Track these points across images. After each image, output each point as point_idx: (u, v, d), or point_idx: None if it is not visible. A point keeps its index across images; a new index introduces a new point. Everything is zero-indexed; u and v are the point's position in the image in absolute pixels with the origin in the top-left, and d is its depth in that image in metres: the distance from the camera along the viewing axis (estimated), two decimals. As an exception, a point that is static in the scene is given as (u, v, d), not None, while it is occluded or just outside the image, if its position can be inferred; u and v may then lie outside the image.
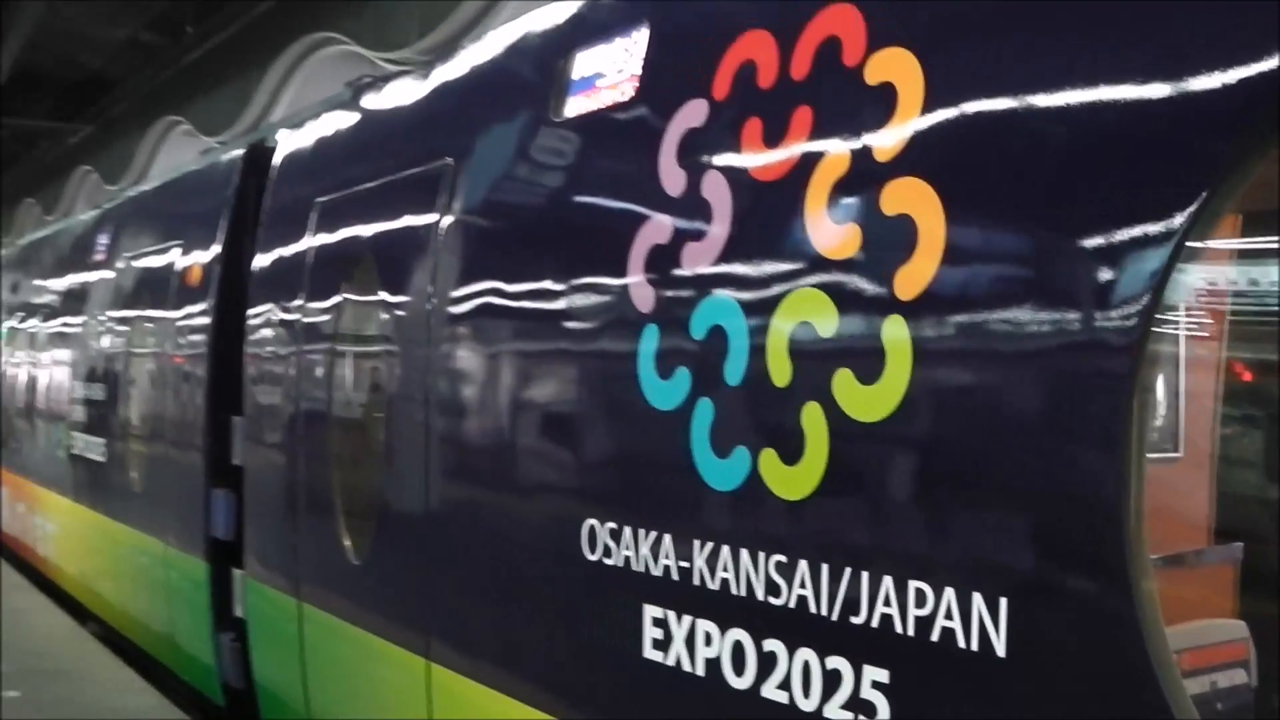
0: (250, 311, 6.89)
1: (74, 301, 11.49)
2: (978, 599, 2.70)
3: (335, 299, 5.91)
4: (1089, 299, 2.55)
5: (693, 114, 3.73)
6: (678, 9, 4.08)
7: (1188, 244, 2.42)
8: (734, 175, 3.53)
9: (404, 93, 5.86)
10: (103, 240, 10.82)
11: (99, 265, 10.71)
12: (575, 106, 4.36)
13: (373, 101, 6.19)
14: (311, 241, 6.18)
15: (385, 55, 16.11)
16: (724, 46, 3.66)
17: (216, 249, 7.73)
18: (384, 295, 5.46)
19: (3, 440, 14.30)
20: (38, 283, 13.32)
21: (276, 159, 7.05)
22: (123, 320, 9.73)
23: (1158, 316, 2.45)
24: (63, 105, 23.60)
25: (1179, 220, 2.39)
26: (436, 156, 5.10)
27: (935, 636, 2.79)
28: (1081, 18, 2.72)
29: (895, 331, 2.94)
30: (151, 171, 23.05)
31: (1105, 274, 2.52)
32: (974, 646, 2.70)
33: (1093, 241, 2.57)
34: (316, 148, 6.67)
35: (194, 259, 8.12)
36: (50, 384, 12.05)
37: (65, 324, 11.70)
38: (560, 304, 4.21)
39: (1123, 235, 2.50)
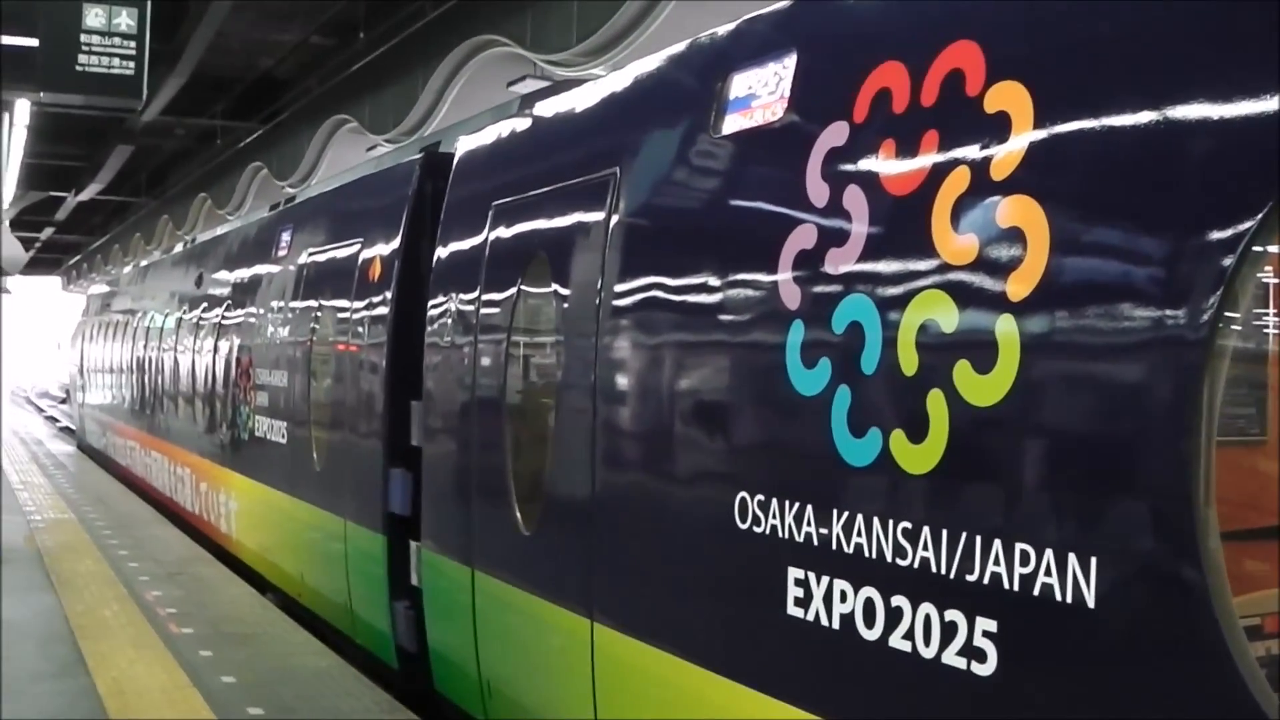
0: (430, 304, 7.51)
1: (259, 294, 12.22)
2: (1072, 559, 3.17)
3: (509, 294, 6.50)
4: (1166, 298, 3.01)
5: (836, 134, 4.22)
6: (823, 39, 4.58)
7: (1255, 248, 2.86)
8: (871, 189, 4.01)
9: (573, 105, 6.44)
10: (286, 237, 11.53)
11: (284, 260, 11.42)
12: (733, 124, 4.87)
13: (544, 112, 6.77)
14: (488, 240, 6.78)
15: (545, 57, 16.77)
16: (863, 75, 4.14)
17: (396, 245, 8.40)
18: (555, 291, 6.03)
19: (186, 426, 15.14)
20: (224, 275, 14.11)
21: (455, 163, 7.67)
22: (307, 312, 10.44)
23: (1228, 314, 2.89)
24: (237, 105, 24.76)
25: (1247, 225, 2.84)
26: (605, 165, 5.65)
27: (1036, 591, 3.27)
28: (1157, 55, 3.20)
29: (1007, 328, 3.42)
30: (320, 168, 24.07)
31: (1179, 276, 2.99)
32: (1069, 599, 3.18)
33: (1167, 249, 3.05)
34: (492, 154, 7.28)
35: (375, 255, 8.79)
36: (238, 371, 12.76)
37: (250, 315, 12.43)
38: (716, 300, 4.74)
39: (1193, 242, 2.97)
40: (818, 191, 4.24)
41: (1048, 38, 3.56)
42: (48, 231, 45.66)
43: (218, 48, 19.66)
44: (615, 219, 5.49)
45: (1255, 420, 3.79)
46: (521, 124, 7.03)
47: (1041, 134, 3.45)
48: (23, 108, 16.31)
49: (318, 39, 20.91)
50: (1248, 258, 2.87)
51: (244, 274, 13.02)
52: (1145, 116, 3.18)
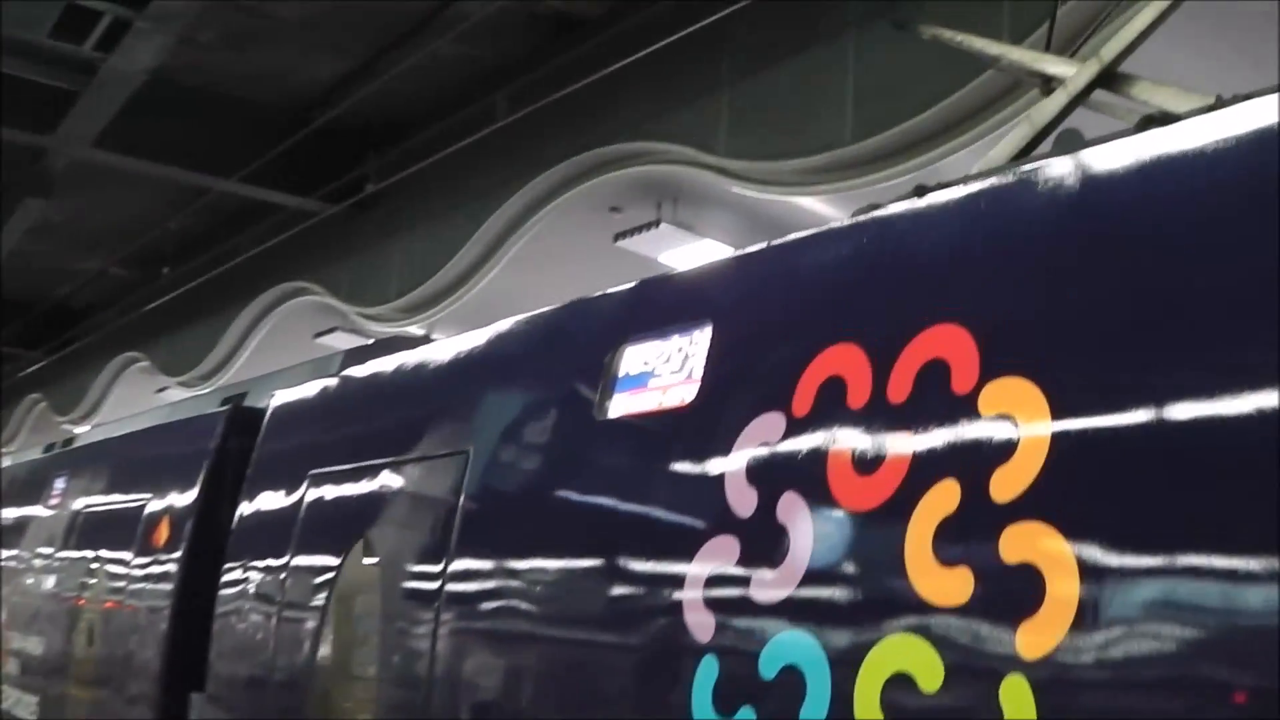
0: (224, 573, 6.44)
1: (17, 546, 10.90)
2: None
3: (326, 571, 5.50)
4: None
5: (767, 428, 3.46)
6: (747, 312, 3.86)
7: None
8: (816, 499, 3.24)
9: (415, 368, 5.57)
10: (60, 483, 10.33)
11: (56, 508, 10.20)
12: (622, 405, 4.10)
13: (377, 373, 5.90)
14: (302, 509, 5.80)
15: (361, 310, 16.02)
16: (805, 359, 3.43)
17: (191, 503, 7.32)
18: (382, 574, 5.08)
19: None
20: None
21: (266, 420, 6.73)
22: (75, 571, 9.18)
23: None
24: (24, 331, 23.30)
25: None
26: (454, 444, 4.81)
27: None
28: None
29: (1017, 695, 2.62)
30: (104, 407, 22.62)
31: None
32: None
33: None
34: (312, 414, 6.36)
35: (164, 511, 7.69)
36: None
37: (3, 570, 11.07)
38: (597, 616, 3.86)
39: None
40: (741, 497, 3.45)
41: (1071, 324, 2.88)
42: None
43: (12, 268, 18.44)
44: (464, 505, 4.61)
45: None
46: (348, 384, 6.15)
47: (1063, 446, 2.73)
48: None
49: (119, 270, 19.81)
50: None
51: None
52: (1201, 421, 2.49)
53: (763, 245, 4.03)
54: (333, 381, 6.31)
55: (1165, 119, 3.52)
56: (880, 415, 3.17)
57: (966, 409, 2.95)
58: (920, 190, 3.80)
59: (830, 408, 3.31)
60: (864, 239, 3.55)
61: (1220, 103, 3.69)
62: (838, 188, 9.82)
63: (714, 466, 3.57)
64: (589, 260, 13.73)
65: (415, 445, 5.08)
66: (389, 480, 5.14)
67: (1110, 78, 4.43)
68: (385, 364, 5.83)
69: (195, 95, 14.28)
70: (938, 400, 3.04)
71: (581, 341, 4.53)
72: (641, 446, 3.99)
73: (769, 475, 3.40)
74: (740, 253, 4.05)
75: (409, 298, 14.93)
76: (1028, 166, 3.27)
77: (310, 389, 6.50)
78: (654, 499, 3.84)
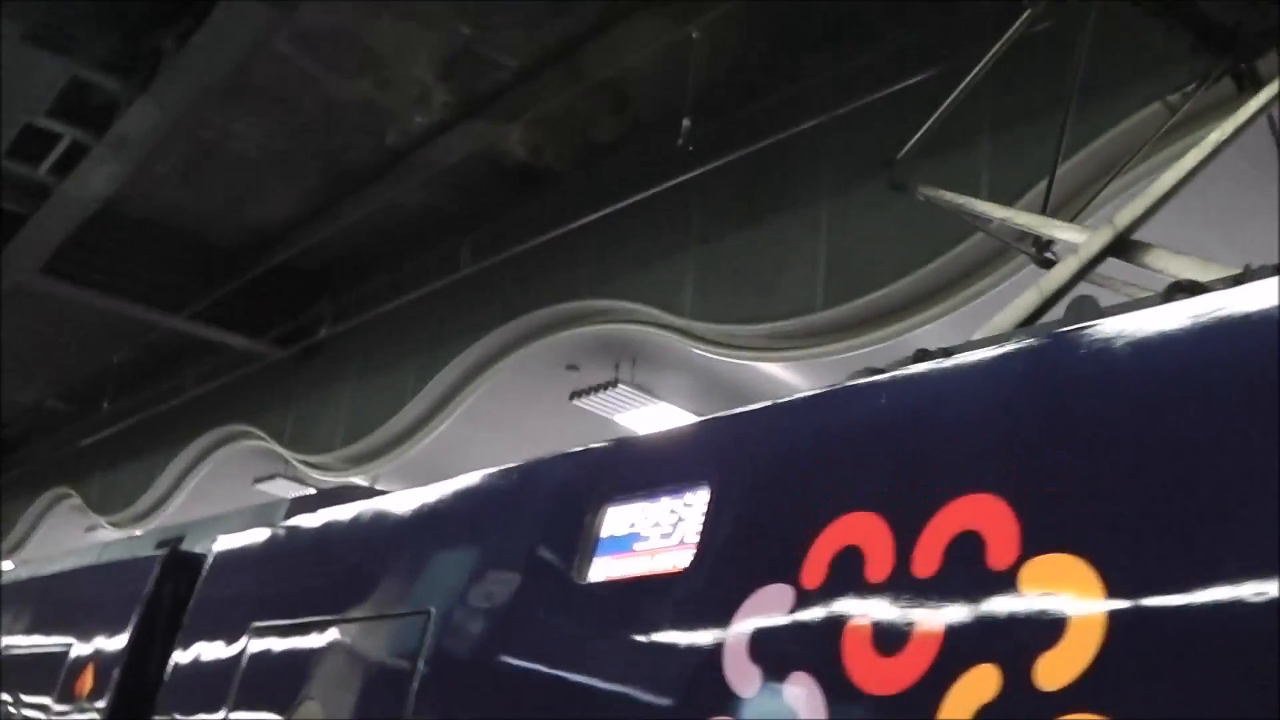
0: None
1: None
2: None
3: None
4: None
5: (773, 600, 3.17)
6: (750, 474, 3.58)
7: None
8: (831, 681, 2.93)
9: (377, 522, 5.22)
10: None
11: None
12: (605, 569, 3.79)
13: (329, 522, 5.54)
14: (243, 664, 5.38)
15: (304, 458, 15.61)
16: (817, 527, 3.15)
17: (120, 650, 6.85)
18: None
19: None
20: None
21: (207, 567, 6.33)
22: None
23: None
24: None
25: None
26: (415, 603, 4.46)
27: None
28: None
29: None
30: (30, 543, 21.89)
31: None
32: None
33: None
34: (257, 563, 5.97)
35: (89, 659, 7.21)
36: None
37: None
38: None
39: None
40: (742, 674, 3.13)
41: (1122, 496, 2.63)
42: None
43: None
44: (424, 669, 4.25)
45: None
46: (298, 532, 5.78)
47: (1120, 630, 2.45)
48: None
49: (56, 403, 19.32)
50: None
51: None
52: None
53: (765, 404, 3.78)
54: (281, 529, 5.95)
55: (1194, 288, 3.36)
56: (905, 590, 2.88)
57: (1005, 586, 2.68)
58: (922, 355, 3.59)
59: (846, 580, 3.02)
60: (882, 399, 3.30)
61: (1250, 273, 3.53)
62: (807, 355, 9.67)
63: (710, 639, 3.26)
64: (544, 418, 13.48)
65: (371, 602, 4.72)
66: (340, 638, 4.76)
67: (1123, 245, 4.29)
68: (340, 513, 5.47)
69: (147, 226, 14.06)
70: (971, 576, 2.76)
71: (559, 499, 4.23)
72: (627, 614, 3.67)
73: (775, 651, 3.09)
74: (741, 410, 3.79)
75: (355, 447, 14.59)
76: (1063, 330, 3.06)
77: (257, 535, 6.12)
78: (641, 671, 3.51)
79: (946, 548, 2.84)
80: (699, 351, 10.89)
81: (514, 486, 4.48)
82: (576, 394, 13.18)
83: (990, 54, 5.12)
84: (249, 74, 10.82)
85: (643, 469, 3.95)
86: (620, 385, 12.72)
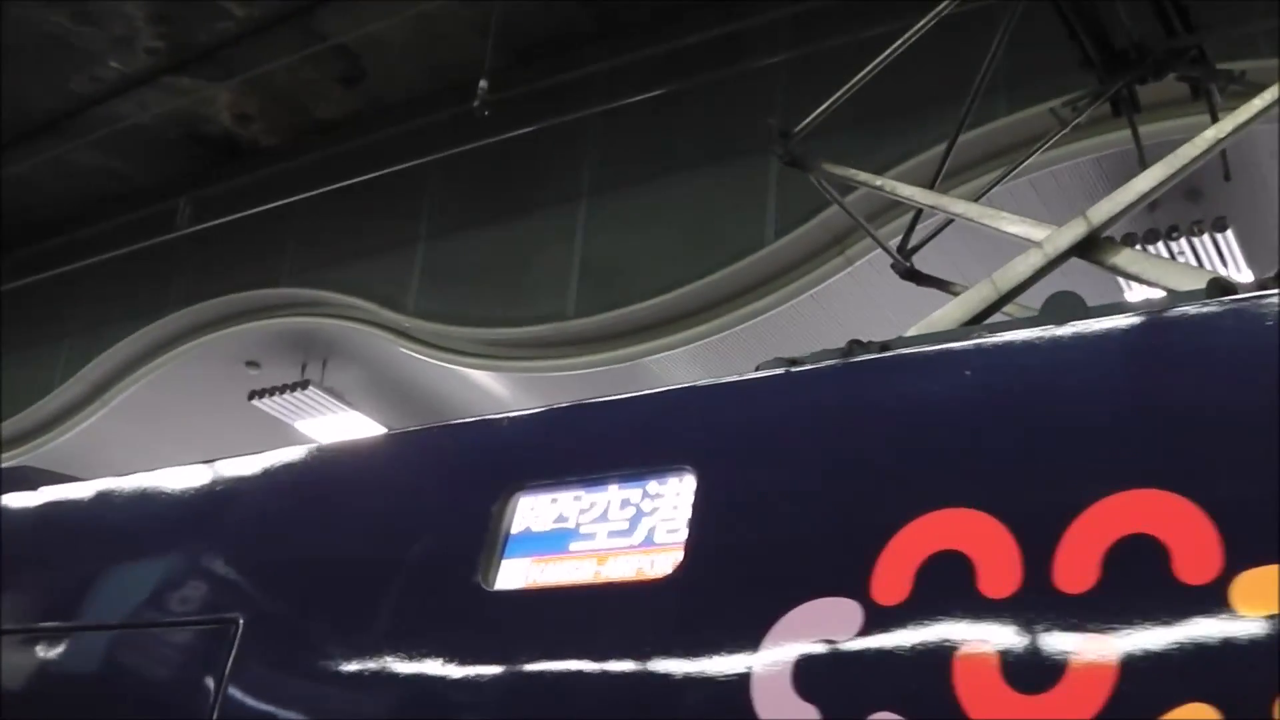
0: None
1: None
2: None
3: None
4: None
5: (825, 619, 2.42)
6: (762, 458, 2.80)
7: None
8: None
9: (151, 503, 4.06)
10: None
11: None
12: (521, 574, 2.94)
13: (87, 504, 4.29)
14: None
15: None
16: (889, 526, 2.43)
17: None
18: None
19: None
20: None
21: None
22: None
23: None
24: None
25: None
26: (216, 608, 3.46)
27: None
28: None
29: None
30: None
31: None
32: None
33: None
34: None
35: None
36: None
37: None
38: None
39: None
40: (788, 711, 2.37)
41: None
42: None
43: None
44: (227, 690, 3.25)
45: None
46: (43, 514, 4.49)
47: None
48: None
49: None
50: None
51: None
52: None
53: (781, 367, 3.04)
54: (15, 507, 4.63)
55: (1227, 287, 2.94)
56: (1048, 609, 2.21)
57: (1207, 605, 2.05)
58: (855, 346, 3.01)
59: (943, 595, 2.32)
60: (981, 364, 2.61)
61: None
62: (553, 366, 8.90)
63: (726, 666, 2.48)
64: (219, 419, 12.14)
65: (154, 605, 3.64)
66: (112, 649, 3.65)
67: (1092, 242, 3.80)
68: (94, 491, 4.27)
69: None
70: (1150, 591, 2.12)
71: (440, 483, 3.34)
72: (564, 631, 2.82)
73: (841, 687, 2.35)
74: (738, 379, 3.00)
75: (4, 427, 12.76)
76: (1181, 311, 2.47)
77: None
78: (602, 704, 2.67)
79: (1105, 555, 2.19)
80: (418, 356, 9.94)
81: (377, 464, 3.56)
82: (256, 394, 11.91)
83: (911, 31, 4.59)
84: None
85: (575, 448, 3.13)
86: (311, 388, 11.54)
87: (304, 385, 11.56)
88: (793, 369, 3.08)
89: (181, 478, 3.86)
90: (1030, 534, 2.28)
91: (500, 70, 8.75)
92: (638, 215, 8.54)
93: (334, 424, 11.97)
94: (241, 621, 3.35)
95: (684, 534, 2.74)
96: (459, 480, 3.28)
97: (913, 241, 4.98)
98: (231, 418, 12.10)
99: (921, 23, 4.52)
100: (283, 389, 11.77)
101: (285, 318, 10.95)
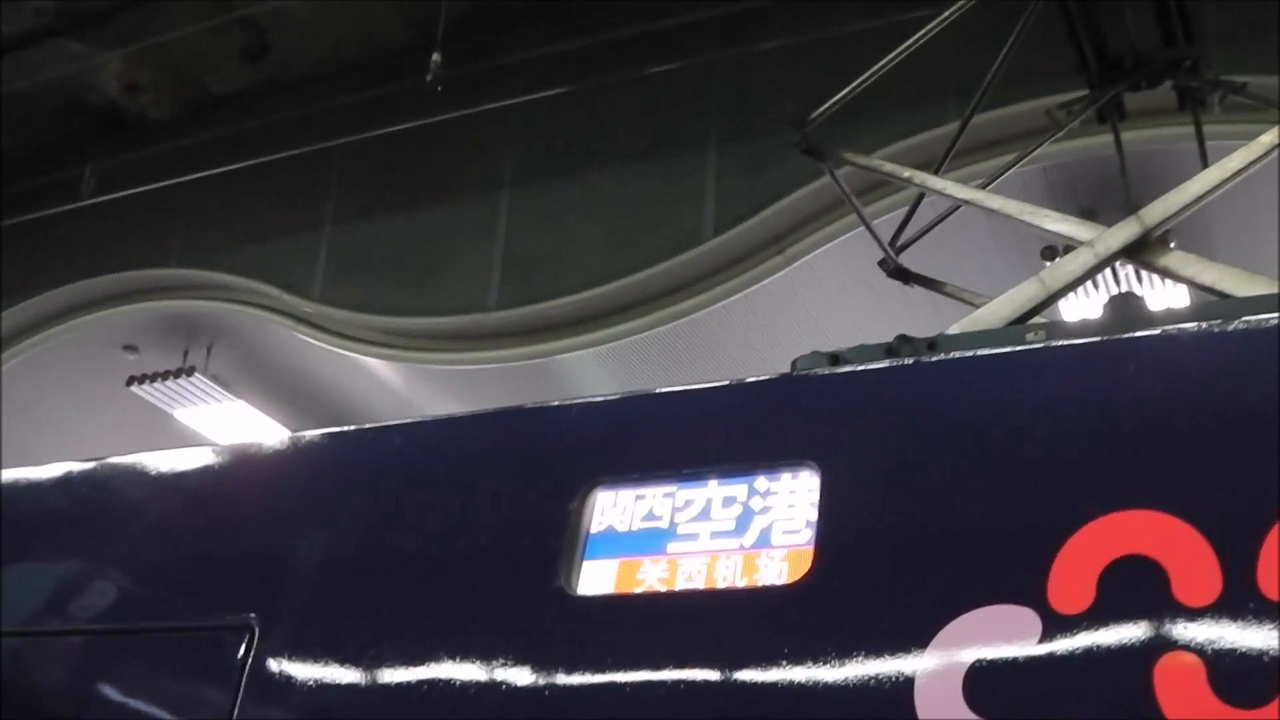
0: None
1: None
2: None
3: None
4: None
5: (997, 627, 2.27)
6: (902, 454, 2.64)
7: None
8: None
9: (150, 494, 3.72)
10: None
11: None
12: (594, 579, 2.74)
13: (91, 493, 3.88)
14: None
15: None
16: (1063, 528, 2.30)
17: None
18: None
19: None
20: None
21: None
22: None
23: None
24: None
25: None
26: (230, 611, 3.17)
27: None
28: None
29: None
30: None
31: None
32: None
33: None
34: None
35: None
36: None
37: None
38: None
39: None
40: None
41: None
42: None
43: None
44: (243, 702, 2.98)
45: None
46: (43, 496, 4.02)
47: None
48: None
49: None
50: None
51: None
52: None
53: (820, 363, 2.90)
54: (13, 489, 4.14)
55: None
56: (1257, 617, 2.10)
57: None
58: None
59: (1132, 601, 2.20)
60: (1169, 352, 2.50)
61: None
62: (463, 359, 8.62)
63: (883, 678, 2.32)
64: (94, 408, 11.55)
65: (163, 606, 3.33)
66: (117, 655, 3.32)
67: (1144, 244, 3.74)
68: (98, 476, 3.86)
69: None
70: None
71: (517, 476, 3.11)
72: (672, 642, 2.63)
73: (1022, 700, 2.21)
74: (880, 365, 2.82)
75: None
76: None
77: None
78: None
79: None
80: (319, 344, 9.57)
81: (439, 448, 3.31)
82: (136, 380, 11.35)
83: (935, 22, 4.49)
84: None
85: (663, 442, 2.94)
86: (196, 375, 11.04)
87: (189, 372, 11.06)
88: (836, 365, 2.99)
89: (216, 458, 3.55)
90: (1223, 537, 2.17)
91: (421, 51, 8.46)
92: (566, 207, 8.34)
93: (216, 413, 11.50)
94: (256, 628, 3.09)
95: (808, 535, 2.57)
96: (526, 474, 3.06)
97: (903, 238, 4.89)
98: (106, 406, 11.54)
99: (947, 13, 4.43)
100: (165, 375, 11.25)
101: (172, 300, 10.48)
